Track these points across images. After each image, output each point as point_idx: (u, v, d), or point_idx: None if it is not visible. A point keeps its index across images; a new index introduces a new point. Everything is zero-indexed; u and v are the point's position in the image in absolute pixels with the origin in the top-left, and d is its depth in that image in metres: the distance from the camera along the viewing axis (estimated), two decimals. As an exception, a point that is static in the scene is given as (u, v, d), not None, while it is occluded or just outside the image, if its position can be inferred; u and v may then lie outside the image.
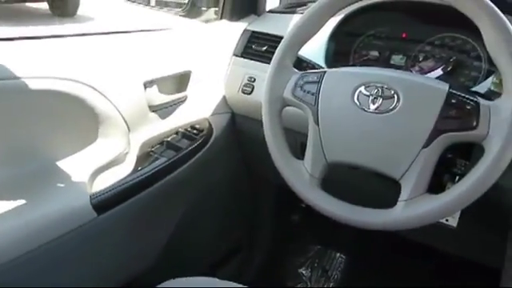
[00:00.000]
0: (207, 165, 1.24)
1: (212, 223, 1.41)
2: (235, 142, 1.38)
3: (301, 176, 0.86)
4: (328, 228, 1.67)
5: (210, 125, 1.27)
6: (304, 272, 1.71)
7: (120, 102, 1.05)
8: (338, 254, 1.76)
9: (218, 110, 1.31)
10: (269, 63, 0.93)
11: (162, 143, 1.16)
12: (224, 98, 1.31)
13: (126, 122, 1.07)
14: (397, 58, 1.08)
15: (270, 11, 1.44)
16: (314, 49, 1.10)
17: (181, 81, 1.26)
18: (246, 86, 1.24)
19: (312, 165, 0.85)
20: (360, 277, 1.70)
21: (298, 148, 1.08)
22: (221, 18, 1.41)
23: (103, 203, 0.95)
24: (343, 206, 0.82)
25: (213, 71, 1.31)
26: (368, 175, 0.97)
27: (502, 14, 0.73)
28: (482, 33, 0.74)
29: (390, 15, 1.12)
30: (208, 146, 1.23)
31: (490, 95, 0.82)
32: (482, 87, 0.89)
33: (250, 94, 1.23)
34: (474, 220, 1.05)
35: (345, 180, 1.09)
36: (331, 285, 1.69)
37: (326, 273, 1.71)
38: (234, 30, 1.35)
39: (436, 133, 0.74)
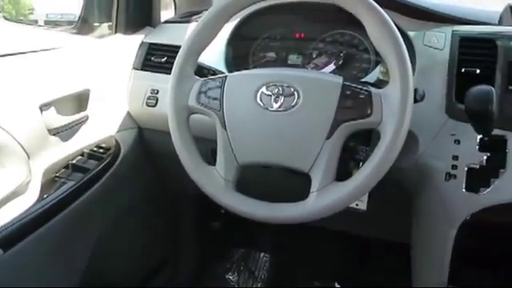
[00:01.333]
0: (119, 183, 1.20)
1: (133, 242, 1.37)
2: (146, 157, 1.35)
3: (215, 181, 0.86)
4: (249, 230, 1.69)
5: (117, 142, 1.23)
6: (231, 277, 1.72)
7: (15, 128, 0.98)
8: (263, 254, 1.79)
9: (124, 126, 1.28)
10: (170, 74, 0.92)
11: (67, 166, 1.10)
12: (128, 113, 1.28)
13: (24, 148, 1.00)
14: (293, 58, 1.13)
15: (166, 22, 1.43)
16: (214, 55, 1.11)
17: (80, 100, 1.21)
18: (149, 98, 1.22)
19: (225, 169, 0.86)
20: (287, 272, 1.74)
21: (209, 155, 1.08)
22: (115, 32, 1.37)
23: (8, 238, 0.88)
24: (258, 205, 0.84)
25: (113, 87, 1.27)
26: (280, 172, 1.00)
27: (381, 9, 0.79)
28: (366, 27, 0.80)
29: (283, 17, 1.17)
30: (117, 163, 1.19)
31: (380, 84, 0.89)
32: (372, 77, 0.96)
33: (154, 106, 1.21)
34: (381, 201, 1.13)
35: (260, 180, 1.11)
36: (259, 285, 1.71)
37: (253, 274, 1.73)
38: (130, 44, 1.32)
39: (336, 123, 0.79)
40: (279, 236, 1.74)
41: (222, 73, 0.99)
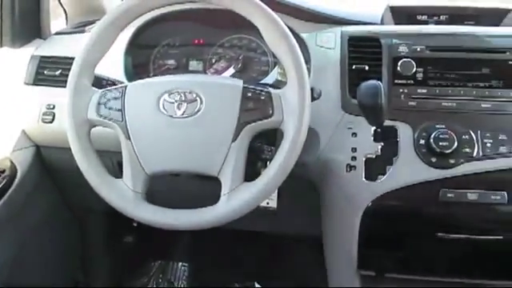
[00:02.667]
0: (19, 206, 1.12)
1: (41, 265, 1.28)
2: (47, 176, 1.27)
3: (123, 194, 0.84)
4: (164, 240, 1.66)
5: (13, 163, 1.15)
6: (150, 291, 1.68)
7: None
8: (181, 264, 1.77)
9: (19, 146, 1.19)
10: (66, 87, 0.88)
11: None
12: (23, 131, 1.20)
13: None
14: (194, 64, 1.13)
15: (57, 33, 1.36)
16: (112, 65, 1.08)
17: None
18: (45, 114, 1.15)
19: (133, 180, 0.84)
20: (206, 278, 1.73)
21: (115, 168, 1.05)
22: (1, 46, 1.28)
23: None
24: (169, 213, 0.83)
25: (3, 105, 1.19)
26: (191, 178, 1.00)
27: (274, 13, 0.82)
28: (261, 31, 0.83)
29: (182, 24, 1.17)
30: (15, 186, 1.11)
31: (279, 84, 0.92)
32: (270, 78, 0.99)
33: (51, 122, 1.14)
34: (291, 197, 1.17)
35: (172, 188, 1.10)
36: (180, 295, 1.69)
37: (172, 284, 1.71)
38: (19, 58, 1.23)
39: (241, 126, 0.81)
40: (196, 243, 1.73)
41: (122, 83, 0.97)
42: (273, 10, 0.83)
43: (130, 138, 0.83)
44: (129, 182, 0.84)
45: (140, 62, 1.15)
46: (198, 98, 0.82)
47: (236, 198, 0.80)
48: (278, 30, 0.81)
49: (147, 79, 0.90)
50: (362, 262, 1.04)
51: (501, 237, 0.95)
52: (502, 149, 0.92)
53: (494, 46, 0.97)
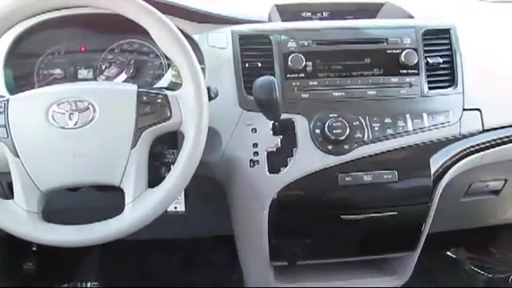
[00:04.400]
0: None
1: None
2: None
3: (16, 216, 0.78)
4: (69, 261, 1.57)
5: None
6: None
7: None
8: (90, 284, 1.68)
9: None
10: None
11: None
12: None
13: None
14: (83, 72, 1.08)
15: None
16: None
17: None
18: None
19: (25, 200, 0.78)
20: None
21: (5, 189, 0.97)
22: None
23: None
24: (71, 230, 0.79)
25: None
26: (92, 192, 0.96)
27: (163, 16, 0.81)
28: (152, 35, 0.82)
29: (67, 31, 1.10)
30: None
31: (174, 86, 0.92)
32: (165, 81, 0.98)
33: None
34: (200, 199, 1.17)
35: (72, 205, 1.04)
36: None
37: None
38: None
39: (139, 131, 0.79)
40: (104, 259, 1.66)
41: (3, 97, 0.89)
42: (162, 12, 0.82)
43: (18, 155, 0.77)
44: (22, 202, 0.78)
45: (22, 74, 1.07)
46: (90, 107, 0.79)
47: (141, 206, 0.78)
48: (169, 32, 0.81)
49: (32, 91, 0.84)
50: (274, 253, 1.07)
51: (395, 212, 1.03)
52: (389, 131, 1.00)
53: (373, 36, 1.04)
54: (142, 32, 0.82)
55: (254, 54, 1.01)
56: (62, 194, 0.83)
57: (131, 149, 0.78)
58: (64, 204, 0.96)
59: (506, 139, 1.08)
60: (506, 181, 1.26)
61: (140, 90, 0.81)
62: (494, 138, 1.07)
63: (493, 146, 1.08)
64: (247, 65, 1.00)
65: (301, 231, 1.06)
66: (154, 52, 1.07)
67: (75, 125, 0.78)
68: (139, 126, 0.79)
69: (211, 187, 1.12)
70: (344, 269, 1.18)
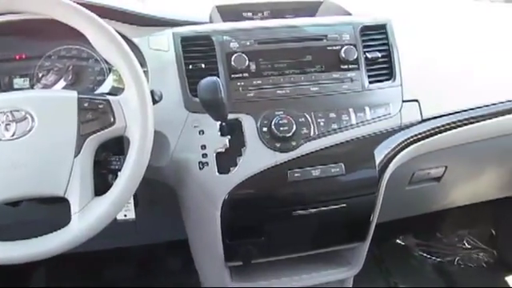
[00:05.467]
0: None
1: None
2: None
3: None
4: (16, 277, 1.50)
5: None
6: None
7: None
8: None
9: None
10: None
11: None
12: None
13: None
14: (19, 81, 1.03)
15: None
16: None
17: None
18: None
19: None
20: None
21: None
22: None
23: None
24: (14, 245, 0.76)
25: None
26: (36, 205, 0.92)
27: (101, 21, 0.80)
28: (90, 40, 0.80)
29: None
30: None
31: (116, 91, 0.90)
32: (107, 86, 0.96)
33: None
34: (152, 204, 1.15)
35: (15, 220, 1.00)
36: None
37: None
38: None
39: (82, 138, 0.77)
40: (54, 274, 1.60)
41: None
42: (100, 16, 0.80)
43: None
44: None
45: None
46: (28, 116, 0.76)
47: (89, 215, 0.76)
48: (106, 36, 0.79)
49: None
50: (229, 254, 1.07)
51: (344, 204, 1.05)
52: (334, 125, 1.02)
53: (313, 34, 1.06)
54: (79, 37, 0.80)
55: (196, 55, 1.01)
56: (2, 209, 0.79)
57: (75, 157, 0.76)
58: (5, 220, 0.92)
59: (443, 128, 1.13)
60: (446, 167, 1.32)
61: (80, 96, 0.79)
62: (433, 127, 1.12)
63: (432, 135, 1.13)
64: (191, 66, 1.00)
65: (254, 230, 1.07)
66: (93, 57, 1.04)
67: (13, 136, 0.75)
68: (82, 133, 0.77)
69: (161, 192, 1.10)
70: (299, 264, 1.19)
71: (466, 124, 1.17)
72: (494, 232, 1.99)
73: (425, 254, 1.98)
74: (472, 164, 1.40)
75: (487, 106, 1.19)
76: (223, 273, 1.11)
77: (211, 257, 1.10)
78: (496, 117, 1.20)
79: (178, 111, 0.98)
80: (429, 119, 1.12)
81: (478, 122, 1.18)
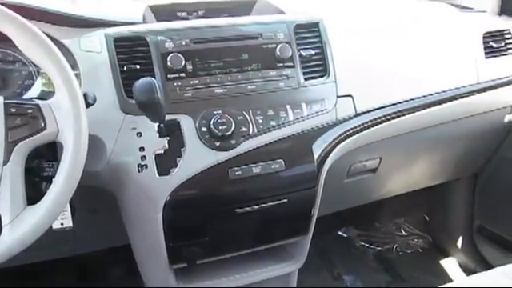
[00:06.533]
0: None
1: None
2: None
3: None
4: None
5: None
6: None
7: None
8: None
9: None
10: None
11: None
12: None
13: None
14: None
15: None
16: None
17: None
18: None
19: None
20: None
21: None
22: None
23: None
24: None
25: None
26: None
27: (25, 20, 0.76)
28: (16, 43, 0.76)
29: None
30: None
31: (46, 95, 0.86)
32: (36, 91, 0.92)
33: None
34: (91, 211, 1.11)
35: None
36: None
37: None
38: None
39: (10, 146, 0.73)
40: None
41: None
42: (25, 17, 0.76)
43: None
44: None
45: None
46: None
47: (21, 226, 0.72)
48: (33, 38, 0.75)
49: None
50: (173, 256, 1.06)
51: (286, 199, 1.07)
52: (272, 122, 1.04)
53: (248, 32, 1.07)
54: (4, 40, 0.76)
55: (131, 56, 0.98)
56: None
57: (3, 165, 0.72)
58: None
59: (375, 121, 1.18)
60: (380, 159, 1.38)
61: (7, 101, 0.75)
62: (366, 120, 1.17)
63: (366, 128, 1.17)
64: (125, 68, 0.97)
65: (197, 230, 1.06)
66: (20, 60, 0.99)
67: None
68: (10, 140, 0.73)
69: (101, 197, 1.07)
70: (245, 261, 1.20)
71: (397, 116, 1.22)
72: (427, 218, 2.10)
73: (365, 244, 2.06)
74: (405, 155, 1.47)
75: (417, 98, 1.25)
76: (168, 275, 1.10)
77: (155, 260, 1.09)
78: (425, 108, 1.27)
79: (114, 114, 0.96)
80: (363, 113, 1.16)
81: (408, 113, 1.24)
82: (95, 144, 0.91)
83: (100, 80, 0.97)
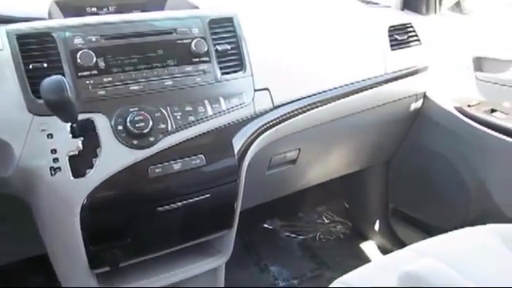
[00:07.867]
0: None
1: None
2: None
3: None
4: None
5: None
6: None
7: None
8: None
9: None
10: None
11: None
12: None
13: None
14: None
15: None
16: None
17: None
18: None
19: None
20: None
21: None
22: None
23: None
24: None
25: None
26: None
27: None
28: None
29: None
30: None
31: None
32: None
33: None
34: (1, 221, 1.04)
35: None
36: None
37: None
38: None
39: None
40: None
41: None
42: None
43: None
44: None
45: None
46: None
47: None
48: None
49: None
50: (93, 260, 1.02)
51: (208, 195, 1.07)
52: (191, 118, 1.03)
53: (162, 28, 1.05)
54: None
55: (37, 53, 0.93)
56: None
57: None
58: None
59: (292, 113, 1.22)
60: (299, 150, 1.42)
61: None
62: (284, 112, 1.20)
63: (284, 120, 1.20)
64: (31, 66, 0.92)
65: (118, 232, 1.03)
66: None
67: None
68: None
69: (12, 205, 1.01)
70: (171, 259, 1.18)
71: (313, 108, 1.27)
72: (347, 205, 2.20)
73: (290, 234, 2.11)
74: (322, 145, 1.53)
75: (330, 90, 1.31)
76: (89, 281, 1.06)
77: (75, 267, 1.04)
78: (338, 99, 1.33)
79: (20, 115, 0.90)
80: (280, 106, 1.19)
81: (323, 105, 1.29)
82: (2, 148, 0.86)
83: (3, 80, 0.90)
